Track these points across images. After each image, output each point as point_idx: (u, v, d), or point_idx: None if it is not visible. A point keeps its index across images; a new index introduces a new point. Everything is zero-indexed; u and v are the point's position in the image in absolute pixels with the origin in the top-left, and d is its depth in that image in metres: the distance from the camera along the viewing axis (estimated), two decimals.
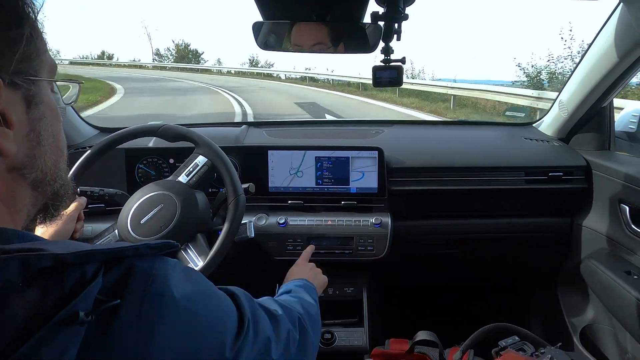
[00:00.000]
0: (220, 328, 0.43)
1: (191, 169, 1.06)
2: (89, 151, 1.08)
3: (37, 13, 0.40)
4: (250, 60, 27.12)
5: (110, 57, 34.78)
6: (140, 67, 29.50)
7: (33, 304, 0.30)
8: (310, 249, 1.19)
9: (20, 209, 0.42)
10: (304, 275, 0.96)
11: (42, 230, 0.92)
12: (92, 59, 34.30)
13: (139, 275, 0.37)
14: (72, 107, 1.42)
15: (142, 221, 0.98)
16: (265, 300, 0.65)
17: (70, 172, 1.05)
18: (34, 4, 0.40)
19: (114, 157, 1.33)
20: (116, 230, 1.02)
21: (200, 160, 1.06)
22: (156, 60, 34.14)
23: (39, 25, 0.41)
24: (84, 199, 1.01)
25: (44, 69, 0.43)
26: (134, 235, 0.97)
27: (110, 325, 0.33)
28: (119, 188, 1.16)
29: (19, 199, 0.42)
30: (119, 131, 1.09)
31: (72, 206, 0.97)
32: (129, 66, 29.47)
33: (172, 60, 33.03)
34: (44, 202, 0.46)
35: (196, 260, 0.97)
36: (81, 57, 35.68)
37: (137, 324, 0.35)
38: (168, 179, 1.07)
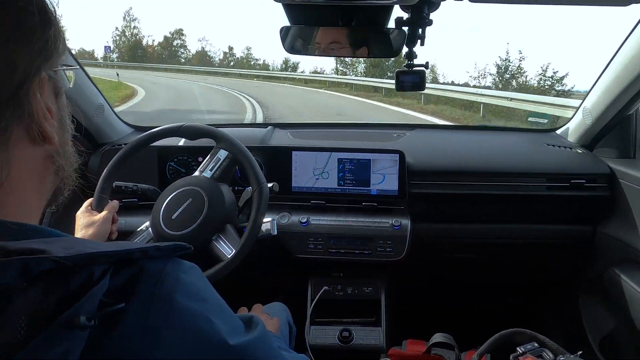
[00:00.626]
0: (229, 332, 0.40)
1: (214, 164, 1.08)
2: (121, 150, 1.11)
3: (56, 10, 0.41)
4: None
5: (295, 68, 28.50)
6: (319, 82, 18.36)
7: (35, 304, 0.29)
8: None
9: (45, 194, 0.43)
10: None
11: (82, 233, 0.95)
12: (275, 69, 29.52)
13: (148, 277, 0.35)
14: (109, 105, 1.46)
15: (174, 217, 1.01)
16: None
17: (106, 169, 1.09)
18: (52, 2, 0.41)
19: (148, 156, 1.37)
20: (150, 229, 1.05)
21: (222, 154, 1.09)
22: (339, 70, 22.25)
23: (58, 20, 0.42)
24: (116, 203, 1.05)
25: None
26: (167, 230, 1.00)
27: (115, 329, 0.32)
28: (152, 184, 1.20)
29: (46, 184, 0.43)
30: (147, 132, 1.12)
31: (106, 210, 1.01)
32: (311, 82, 18.77)
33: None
34: (57, 186, 0.46)
35: (228, 249, 1.00)
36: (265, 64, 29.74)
37: (143, 329, 0.33)
38: (194, 174, 1.10)
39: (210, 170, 1.08)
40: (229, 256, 0.98)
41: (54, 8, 0.40)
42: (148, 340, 0.33)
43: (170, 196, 1.04)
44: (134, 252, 0.35)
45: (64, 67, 0.44)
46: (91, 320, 0.30)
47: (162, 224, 1.01)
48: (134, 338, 0.33)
